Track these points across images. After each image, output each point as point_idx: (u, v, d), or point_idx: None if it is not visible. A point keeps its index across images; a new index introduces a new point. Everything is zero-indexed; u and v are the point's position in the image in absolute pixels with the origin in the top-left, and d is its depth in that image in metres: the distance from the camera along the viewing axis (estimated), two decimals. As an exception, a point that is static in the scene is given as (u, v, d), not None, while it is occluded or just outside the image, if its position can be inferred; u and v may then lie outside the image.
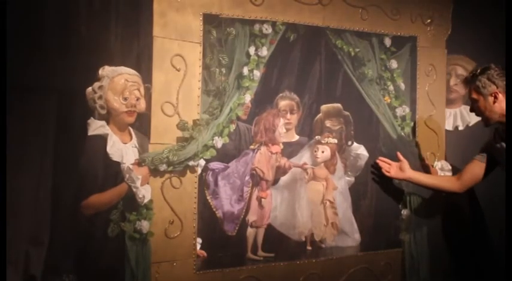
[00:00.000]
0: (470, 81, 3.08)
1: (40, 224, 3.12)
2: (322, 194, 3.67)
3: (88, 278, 2.91)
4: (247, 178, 3.38)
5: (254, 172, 3.39)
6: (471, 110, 3.15)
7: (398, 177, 3.13)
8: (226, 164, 3.44)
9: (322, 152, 3.71)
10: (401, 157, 3.14)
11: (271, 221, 3.51)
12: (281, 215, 3.57)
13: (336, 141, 3.75)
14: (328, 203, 3.67)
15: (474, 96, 3.05)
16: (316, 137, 3.79)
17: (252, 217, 3.37)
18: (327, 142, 3.72)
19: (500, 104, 3.00)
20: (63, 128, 3.10)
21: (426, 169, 3.57)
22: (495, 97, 3.00)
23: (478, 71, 3.06)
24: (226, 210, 3.33)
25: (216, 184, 3.36)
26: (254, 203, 3.39)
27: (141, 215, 2.85)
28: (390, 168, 3.11)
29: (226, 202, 3.34)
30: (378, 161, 3.14)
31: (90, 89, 2.99)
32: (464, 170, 3.19)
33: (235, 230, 3.34)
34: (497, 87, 2.99)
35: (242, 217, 3.36)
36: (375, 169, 3.18)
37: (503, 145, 3.06)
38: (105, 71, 3.00)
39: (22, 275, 3.05)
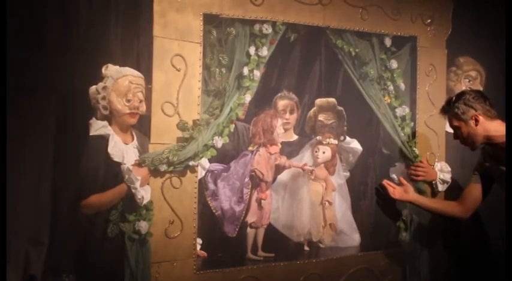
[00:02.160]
0: (448, 110, 3.11)
1: (40, 224, 3.11)
2: (321, 195, 3.66)
3: (88, 279, 2.91)
4: (246, 179, 3.37)
5: (253, 173, 3.37)
6: (455, 138, 3.17)
7: (403, 199, 3.24)
8: (224, 165, 3.43)
9: (323, 152, 3.71)
10: (404, 181, 3.27)
11: (273, 222, 3.50)
12: (283, 216, 3.56)
13: (336, 142, 3.75)
14: (327, 204, 3.66)
15: (455, 124, 3.09)
16: (317, 137, 3.79)
17: (251, 218, 3.36)
18: (328, 143, 3.72)
19: (483, 126, 3.03)
20: (63, 128, 3.10)
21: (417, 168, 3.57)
22: (476, 120, 3.02)
23: (453, 98, 3.09)
24: (226, 211, 3.33)
25: (215, 185, 3.35)
26: (254, 204, 3.38)
27: (141, 216, 2.85)
28: (395, 191, 3.20)
29: (225, 203, 3.33)
30: (383, 183, 3.22)
31: (93, 88, 2.99)
32: (464, 195, 3.24)
33: (235, 231, 3.33)
34: (476, 111, 3.02)
35: (242, 218, 3.35)
36: (380, 189, 3.28)
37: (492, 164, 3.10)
38: (109, 70, 2.99)
39: (22, 275, 3.05)
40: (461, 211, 3.22)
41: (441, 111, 3.21)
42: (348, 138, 3.94)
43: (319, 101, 3.98)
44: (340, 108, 3.94)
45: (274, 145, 3.46)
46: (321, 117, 3.91)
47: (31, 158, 3.12)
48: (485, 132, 3.03)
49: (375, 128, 3.97)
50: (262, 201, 3.37)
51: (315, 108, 3.97)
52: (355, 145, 3.94)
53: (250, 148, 3.46)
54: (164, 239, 2.95)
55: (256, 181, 3.40)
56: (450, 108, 3.10)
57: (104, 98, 2.96)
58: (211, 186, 3.35)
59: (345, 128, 3.94)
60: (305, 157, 3.74)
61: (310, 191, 3.62)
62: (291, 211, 3.57)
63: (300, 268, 3.37)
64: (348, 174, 3.97)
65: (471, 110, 3.03)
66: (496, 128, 3.02)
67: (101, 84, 2.97)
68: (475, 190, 3.19)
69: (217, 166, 3.40)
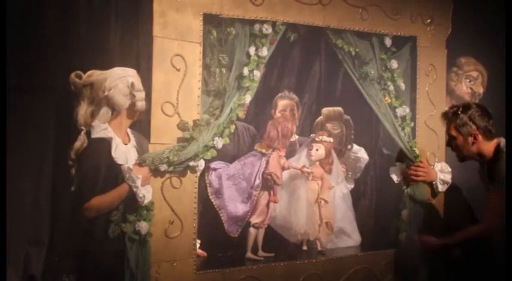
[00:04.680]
0: (450, 118, 3.10)
1: (40, 225, 3.12)
2: (317, 193, 3.64)
3: (88, 279, 2.90)
4: (257, 181, 3.34)
5: (269, 177, 3.35)
6: (447, 145, 3.16)
7: None
8: (228, 164, 3.41)
9: (317, 150, 3.67)
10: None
11: (271, 222, 3.48)
12: (280, 216, 3.55)
13: (331, 140, 3.71)
14: (322, 202, 3.64)
15: (453, 133, 3.08)
16: (311, 135, 3.77)
17: (256, 219, 3.34)
18: (321, 140, 3.69)
19: (478, 145, 3.03)
20: (63, 129, 3.10)
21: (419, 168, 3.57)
22: (474, 138, 3.02)
23: (460, 109, 3.07)
24: (230, 211, 3.30)
25: (219, 183, 3.32)
26: (262, 206, 3.36)
27: (141, 216, 2.85)
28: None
29: (230, 202, 3.30)
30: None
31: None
32: (487, 207, 3.11)
33: (237, 231, 3.31)
34: (477, 128, 3.01)
35: (246, 219, 3.33)
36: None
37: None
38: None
39: (22, 275, 3.05)
40: (487, 225, 3.08)
41: (443, 116, 3.19)
42: (355, 146, 3.92)
43: (325, 110, 3.95)
44: (347, 117, 3.92)
45: (283, 148, 3.46)
46: (328, 126, 3.87)
47: (31, 158, 3.12)
48: (478, 150, 3.05)
49: (374, 128, 3.97)
50: (272, 203, 3.37)
51: (321, 117, 3.95)
52: (361, 154, 3.92)
53: (264, 151, 3.41)
54: (164, 239, 2.95)
55: (270, 184, 3.37)
56: (453, 117, 3.09)
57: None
58: (214, 184, 3.33)
59: (352, 136, 3.92)
60: (302, 157, 3.72)
61: (307, 191, 3.61)
62: (288, 211, 3.55)
63: (300, 268, 3.36)
64: (352, 186, 3.95)
65: (473, 126, 3.02)
66: (488, 148, 3.03)
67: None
68: (493, 197, 3.03)
69: (220, 164, 3.38)
